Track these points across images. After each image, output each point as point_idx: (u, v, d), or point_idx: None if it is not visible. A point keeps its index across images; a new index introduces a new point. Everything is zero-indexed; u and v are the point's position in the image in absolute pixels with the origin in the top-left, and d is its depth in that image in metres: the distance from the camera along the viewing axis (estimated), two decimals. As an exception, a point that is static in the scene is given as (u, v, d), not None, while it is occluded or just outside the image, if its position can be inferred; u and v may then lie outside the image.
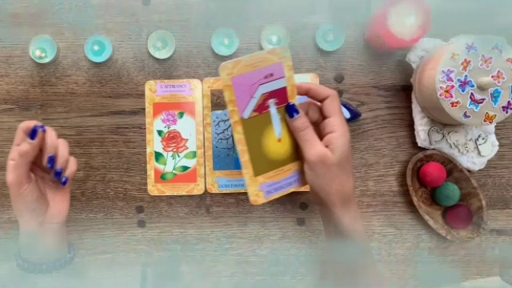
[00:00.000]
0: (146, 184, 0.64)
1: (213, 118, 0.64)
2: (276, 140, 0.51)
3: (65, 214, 0.54)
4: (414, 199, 0.62)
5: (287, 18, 0.64)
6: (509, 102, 0.55)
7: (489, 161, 0.63)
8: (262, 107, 0.50)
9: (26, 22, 0.63)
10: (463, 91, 0.54)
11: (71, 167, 0.53)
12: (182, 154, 0.64)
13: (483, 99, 0.55)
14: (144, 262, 0.64)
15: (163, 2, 0.64)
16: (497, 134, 0.63)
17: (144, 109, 0.64)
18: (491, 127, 0.62)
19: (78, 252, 0.59)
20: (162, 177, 0.63)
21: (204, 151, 0.64)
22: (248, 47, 0.64)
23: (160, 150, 0.63)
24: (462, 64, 0.54)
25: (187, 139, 0.64)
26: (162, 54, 0.63)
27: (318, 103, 0.52)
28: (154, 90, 0.64)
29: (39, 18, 0.63)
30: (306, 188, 0.56)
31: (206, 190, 0.64)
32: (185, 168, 0.64)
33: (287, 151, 0.52)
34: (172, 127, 0.64)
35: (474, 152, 0.62)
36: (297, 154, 0.53)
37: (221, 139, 0.64)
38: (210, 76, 0.64)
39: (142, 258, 0.64)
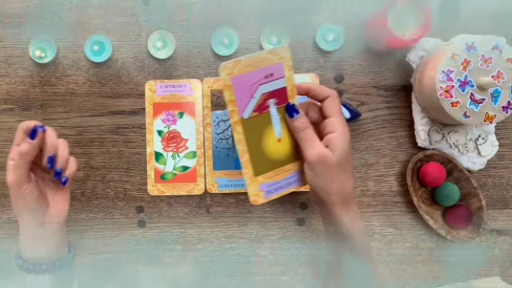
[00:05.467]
0: (146, 184, 0.64)
1: (213, 118, 0.64)
2: (276, 140, 0.51)
3: (65, 214, 0.54)
4: (414, 199, 0.62)
5: (287, 18, 0.64)
6: (509, 101, 0.55)
7: (489, 161, 0.63)
8: (261, 107, 0.50)
9: (26, 21, 0.63)
10: (463, 91, 0.54)
11: (71, 167, 0.53)
12: (182, 154, 0.64)
13: (483, 99, 0.55)
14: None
15: (163, 2, 0.64)
16: (497, 134, 0.63)
17: (144, 109, 0.64)
18: (491, 127, 0.62)
19: (77, 252, 0.59)
20: (162, 177, 0.63)
21: (204, 151, 0.64)
22: (248, 47, 0.64)
23: (160, 150, 0.63)
24: (461, 64, 0.54)
25: (187, 139, 0.64)
26: (162, 54, 0.63)
27: (318, 103, 0.52)
28: (154, 90, 0.64)
29: (39, 18, 0.63)
30: (306, 188, 0.56)
31: (205, 190, 0.64)
32: (185, 168, 0.64)
33: (287, 151, 0.52)
34: (172, 127, 0.64)
35: (474, 152, 0.62)
36: (297, 153, 0.53)
37: (221, 139, 0.64)
38: (210, 76, 0.64)
39: (142, 258, 0.64)
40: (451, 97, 0.54)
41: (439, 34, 0.61)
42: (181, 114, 0.64)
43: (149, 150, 0.64)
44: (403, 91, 0.64)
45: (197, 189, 0.64)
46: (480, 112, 0.55)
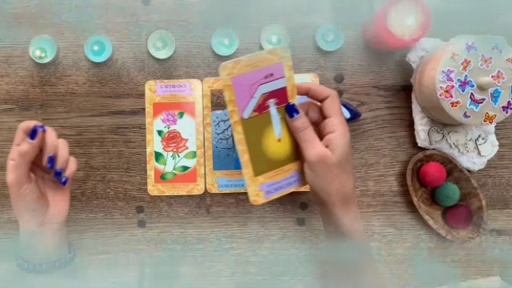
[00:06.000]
0: (146, 184, 0.64)
1: (213, 118, 0.64)
2: (276, 140, 0.51)
3: (65, 214, 0.54)
4: (414, 199, 0.62)
5: (287, 18, 0.64)
6: (509, 101, 0.55)
7: (489, 161, 0.63)
8: (261, 107, 0.50)
9: (26, 22, 0.63)
10: (463, 91, 0.54)
11: (71, 167, 0.53)
12: (182, 154, 0.64)
13: (483, 99, 0.55)
14: (142, 262, 0.63)
15: (163, 2, 0.64)
16: (497, 134, 0.63)
17: (144, 109, 0.64)
18: (491, 127, 0.62)
19: (77, 252, 0.59)
20: (162, 177, 0.63)
21: (204, 151, 0.64)
22: (248, 47, 0.64)
23: (160, 150, 0.63)
24: (461, 64, 0.54)
25: (187, 139, 0.64)
26: (162, 54, 0.63)
27: (318, 103, 0.52)
28: (154, 90, 0.64)
29: (39, 18, 0.63)
30: (306, 188, 0.56)
31: (205, 190, 0.64)
32: (185, 168, 0.64)
33: (287, 151, 0.52)
34: (172, 127, 0.64)
35: (474, 152, 0.62)
36: (297, 154, 0.53)
37: (221, 139, 0.64)
38: (210, 76, 0.64)
39: (142, 258, 0.64)
40: (451, 97, 0.54)
41: (439, 34, 0.61)
42: (181, 114, 0.64)
43: (149, 150, 0.64)
44: (403, 91, 0.64)
45: (197, 189, 0.64)
46: (480, 112, 0.55)
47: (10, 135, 0.63)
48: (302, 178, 0.54)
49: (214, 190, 0.64)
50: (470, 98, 0.55)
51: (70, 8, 0.63)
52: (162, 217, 0.64)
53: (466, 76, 0.54)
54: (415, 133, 0.63)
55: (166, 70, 0.64)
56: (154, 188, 0.64)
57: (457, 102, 0.55)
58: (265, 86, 0.49)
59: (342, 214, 0.50)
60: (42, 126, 0.50)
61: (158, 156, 0.63)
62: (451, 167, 0.63)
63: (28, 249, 0.53)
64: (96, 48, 0.62)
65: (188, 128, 0.64)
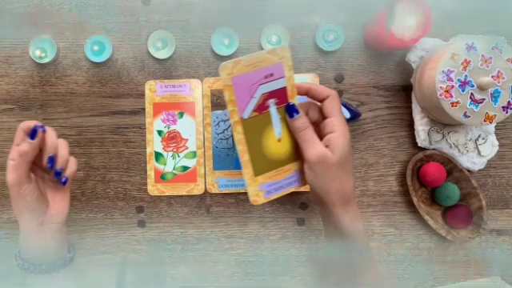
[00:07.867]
0: (146, 184, 0.64)
1: (213, 118, 0.64)
2: (276, 140, 0.51)
3: (65, 214, 0.54)
4: (414, 199, 0.62)
5: (287, 18, 0.64)
6: (509, 101, 0.55)
7: (489, 161, 0.63)
8: (261, 107, 0.50)
9: (26, 21, 0.63)
10: (463, 91, 0.54)
11: (71, 167, 0.53)
12: (182, 154, 0.64)
13: (483, 99, 0.55)
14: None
15: (163, 2, 0.64)
16: (497, 134, 0.63)
17: (144, 109, 0.64)
18: (491, 127, 0.62)
19: (77, 252, 0.59)
20: (162, 177, 0.63)
21: (204, 151, 0.64)
22: (248, 47, 0.64)
23: (160, 150, 0.63)
24: (461, 64, 0.54)
25: (187, 139, 0.64)
26: (162, 54, 0.63)
27: (318, 103, 0.52)
28: (154, 90, 0.64)
29: (39, 18, 0.63)
30: (305, 188, 0.56)
31: (205, 190, 0.64)
32: (185, 168, 0.64)
33: (287, 151, 0.52)
34: (172, 127, 0.64)
35: (474, 152, 0.62)
36: (297, 154, 0.53)
37: (221, 139, 0.64)
38: (210, 76, 0.64)
39: (142, 257, 0.64)
40: (451, 97, 0.54)
41: (439, 34, 0.61)
42: (181, 114, 0.64)
43: (149, 150, 0.64)
44: (403, 91, 0.64)
45: (197, 189, 0.64)
46: (480, 112, 0.55)
47: (10, 135, 0.63)
48: (302, 177, 0.54)
49: (214, 190, 0.64)
50: (470, 98, 0.55)
51: (70, 8, 0.63)
52: (161, 217, 0.64)
53: (466, 76, 0.54)
54: (415, 133, 0.63)
55: (166, 69, 0.64)
56: (153, 188, 0.64)
57: (457, 102, 0.55)
58: (265, 85, 0.49)
59: (342, 214, 0.50)
60: (42, 126, 0.50)
61: (157, 156, 0.63)
62: (451, 167, 0.63)
63: (28, 249, 0.53)
64: (96, 48, 0.62)
65: (188, 128, 0.64)
